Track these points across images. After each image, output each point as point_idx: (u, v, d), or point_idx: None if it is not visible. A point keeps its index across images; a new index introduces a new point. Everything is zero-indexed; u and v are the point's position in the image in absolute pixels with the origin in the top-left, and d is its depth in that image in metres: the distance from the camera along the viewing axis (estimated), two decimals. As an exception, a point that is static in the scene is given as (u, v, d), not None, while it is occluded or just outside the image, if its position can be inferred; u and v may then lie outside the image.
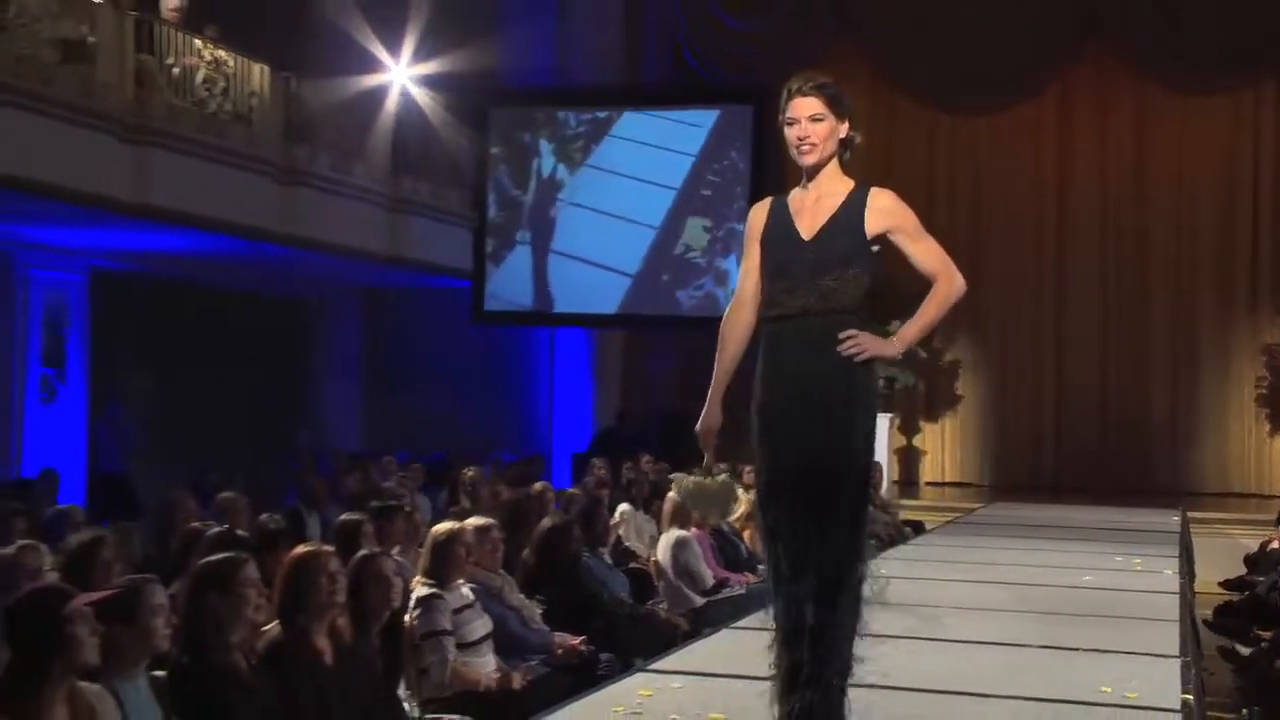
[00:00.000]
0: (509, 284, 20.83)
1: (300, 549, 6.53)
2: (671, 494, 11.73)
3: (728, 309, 5.16)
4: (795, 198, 5.06)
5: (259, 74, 16.58)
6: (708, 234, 20.16)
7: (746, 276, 5.10)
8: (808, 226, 4.96)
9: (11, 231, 15.31)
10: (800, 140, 4.93)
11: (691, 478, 5.22)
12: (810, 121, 4.90)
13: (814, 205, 4.97)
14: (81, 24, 14.03)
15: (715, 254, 20.01)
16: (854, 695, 4.88)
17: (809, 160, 4.95)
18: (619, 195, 20.38)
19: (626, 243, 20.31)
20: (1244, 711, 10.02)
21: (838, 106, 4.93)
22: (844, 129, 4.93)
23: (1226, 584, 12.95)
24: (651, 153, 20.30)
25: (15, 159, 12.63)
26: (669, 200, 20.31)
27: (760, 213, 5.11)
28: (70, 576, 6.47)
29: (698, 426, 5.10)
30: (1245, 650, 10.52)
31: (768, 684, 4.87)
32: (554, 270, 20.56)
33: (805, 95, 4.94)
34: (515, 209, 20.79)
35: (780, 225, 5.01)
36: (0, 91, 12.68)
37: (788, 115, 4.99)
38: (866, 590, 4.84)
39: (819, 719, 4.70)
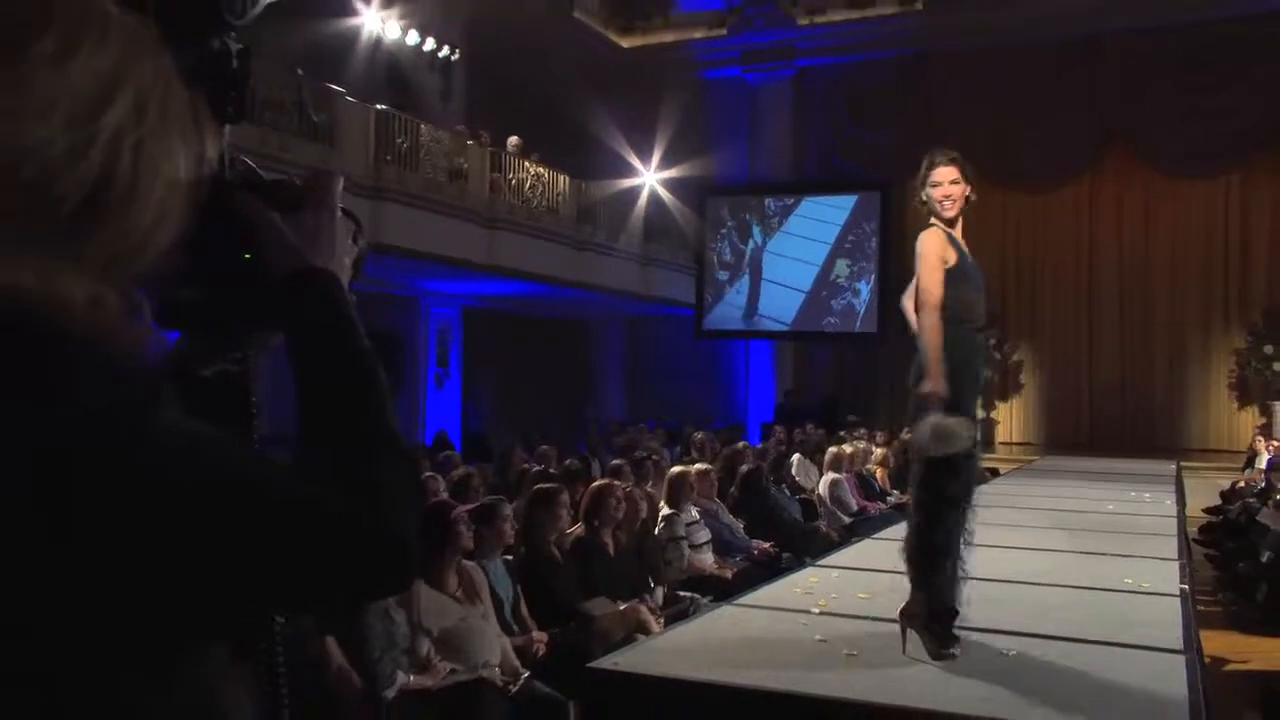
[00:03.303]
0: (722, 311, 20.77)
1: (597, 482, 6.78)
2: (833, 449, 11.79)
3: (935, 313, 4.39)
4: (951, 237, 4.55)
5: (562, 181, 16.92)
6: (849, 269, 19.91)
7: (939, 288, 4.42)
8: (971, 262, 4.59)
9: (418, 284, 15.48)
10: (945, 198, 4.52)
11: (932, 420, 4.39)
12: (950, 184, 4.52)
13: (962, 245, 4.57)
14: (459, 157, 14.49)
15: (852, 280, 19.82)
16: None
17: (950, 214, 4.54)
18: (799, 247, 20.24)
19: (803, 273, 20.01)
20: (1220, 595, 9.79)
21: (966, 174, 4.57)
22: (968, 191, 4.56)
23: (1208, 510, 12.57)
24: (815, 224, 20.26)
25: (422, 240, 13.03)
26: (827, 249, 20.10)
27: (944, 244, 4.49)
28: (454, 496, 6.71)
29: (929, 389, 4.31)
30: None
31: (895, 575, 4.58)
32: (761, 297, 20.53)
33: (947, 165, 4.56)
34: (738, 260, 20.83)
35: (964, 257, 4.53)
36: (416, 200, 13.19)
37: (931, 179, 4.58)
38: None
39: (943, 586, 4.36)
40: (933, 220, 4.56)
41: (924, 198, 4.61)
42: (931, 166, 4.61)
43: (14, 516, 0.80)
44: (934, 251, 4.46)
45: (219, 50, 1.16)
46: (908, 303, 4.79)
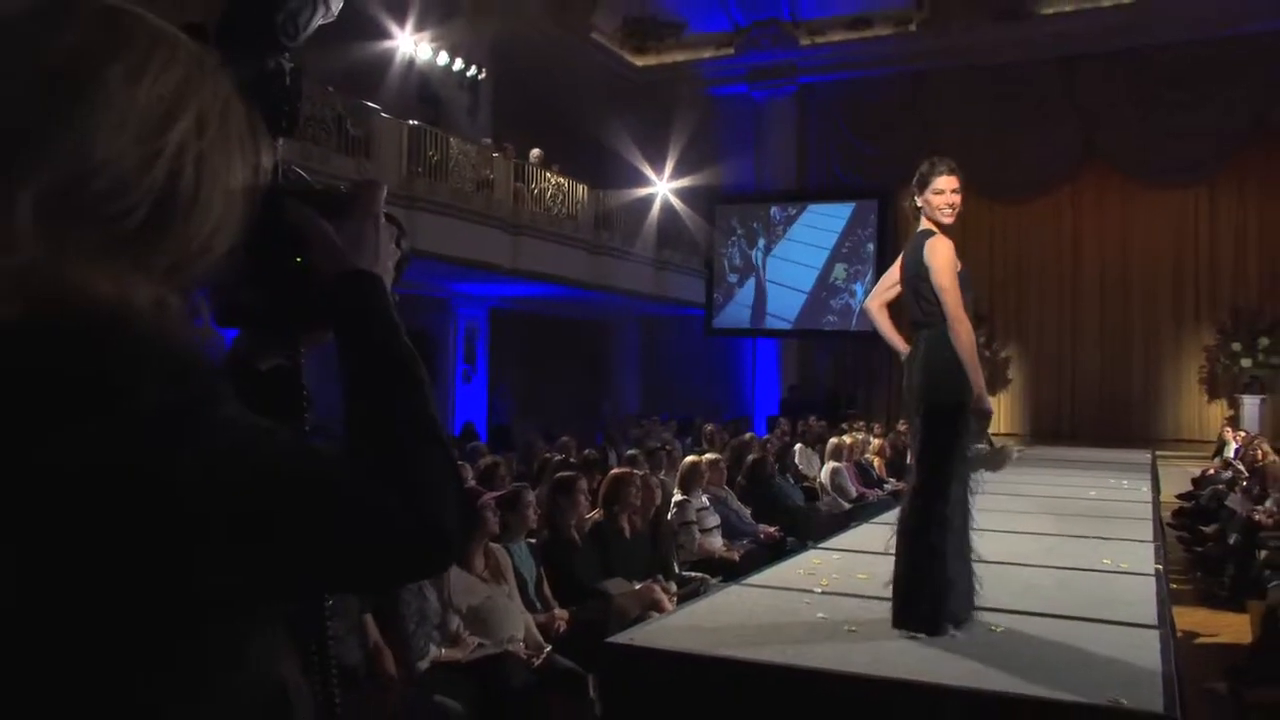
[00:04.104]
0: (731, 311, 20.81)
1: (616, 470, 6.79)
2: (833, 439, 11.74)
3: (966, 319, 4.23)
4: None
5: (581, 191, 16.88)
6: (846, 272, 19.95)
7: (959, 292, 4.24)
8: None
9: (448, 286, 15.49)
10: (948, 206, 4.33)
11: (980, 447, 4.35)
12: (952, 193, 4.34)
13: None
14: (485, 168, 14.47)
15: (849, 282, 19.80)
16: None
17: (950, 221, 4.37)
18: (801, 253, 20.27)
19: (805, 276, 20.07)
20: (1191, 575, 9.76)
21: (962, 184, 4.41)
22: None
23: (1180, 496, 12.52)
24: (815, 231, 20.25)
25: (451, 245, 12.99)
26: (826, 254, 20.12)
27: (953, 253, 4.32)
28: (481, 483, 6.80)
29: (983, 406, 4.21)
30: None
31: (892, 558, 4.45)
32: (768, 298, 20.51)
33: (949, 174, 4.37)
34: (746, 264, 20.85)
35: (963, 266, 4.37)
36: (446, 209, 13.17)
37: (934, 185, 4.36)
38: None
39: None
40: (931, 226, 4.41)
41: (919, 202, 4.44)
42: (933, 173, 4.41)
43: (85, 510, 0.81)
44: (950, 259, 4.30)
45: (274, 69, 1.17)
46: (874, 304, 4.68)
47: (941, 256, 4.29)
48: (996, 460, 4.62)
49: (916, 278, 4.38)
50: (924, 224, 4.46)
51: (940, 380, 4.30)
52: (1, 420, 0.81)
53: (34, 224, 0.82)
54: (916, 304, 4.42)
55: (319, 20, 1.22)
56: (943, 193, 4.38)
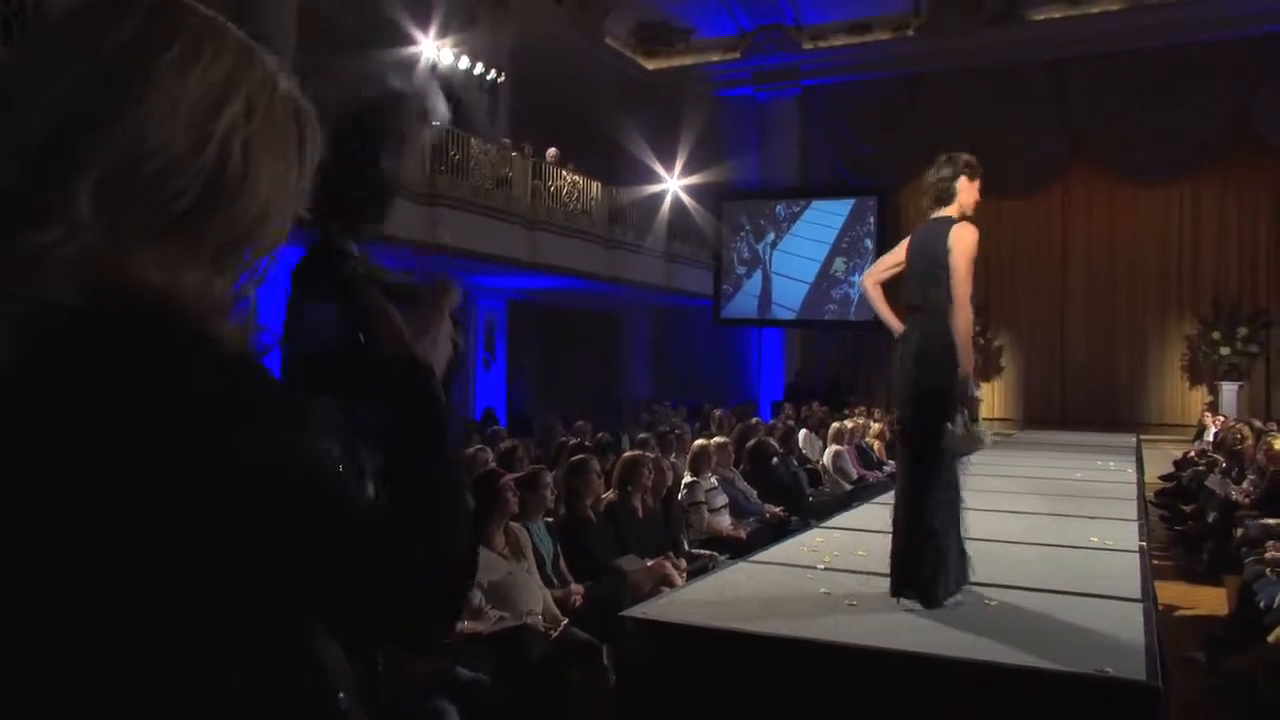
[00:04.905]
0: (739, 301, 20.79)
1: (630, 453, 6.74)
2: (835, 424, 11.74)
3: (969, 311, 4.21)
4: None
5: (595, 187, 16.81)
6: (845, 265, 19.95)
7: (970, 284, 4.23)
8: None
9: (469, 279, 15.19)
10: (976, 204, 4.38)
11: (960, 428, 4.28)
12: (978, 193, 4.37)
13: None
14: (504, 167, 14.43)
15: (848, 274, 19.78)
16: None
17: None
18: (804, 247, 20.24)
19: (807, 269, 20.07)
20: (1172, 551, 9.75)
21: None
22: None
23: (1163, 477, 12.50)
24: (817, 227, 20.22)
25: (472, 240, 13.00)
26: (827, 248, 20.11)
27: (977, 243, 4.29)
28: (501, 465, 6.67)
29: (969, 388, 4.18)
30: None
31: (891, 535, 4.43)
32: (774, 290, 20.50)
33: (980, 178, 4.40)
34: (753, 258, 20.84)
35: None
36: (466, 205, 13.13)
37: (978, 184, 4.37)
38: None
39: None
40: (954, 213, 4.32)
41: (959, 188, 4.33)
42: (976, 172, 4.37)
43: (124, 500, 0.81)
44: (975, 246, 4.23)
45: (373, 174, 1.25)
46: (870, 281, 4.59)
47: (968, 242, 4.22)
48: (970, 443, 4.57)
49: (930, 261, 4.28)
50: (946, 211, 4.37)
51: (933, 366, 4.26)
52: (56, 408, 0.81)
53: (93, 208, 0.83)
54: (919, 288, 4.32)
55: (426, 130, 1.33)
56: (975, 192, 4.36)
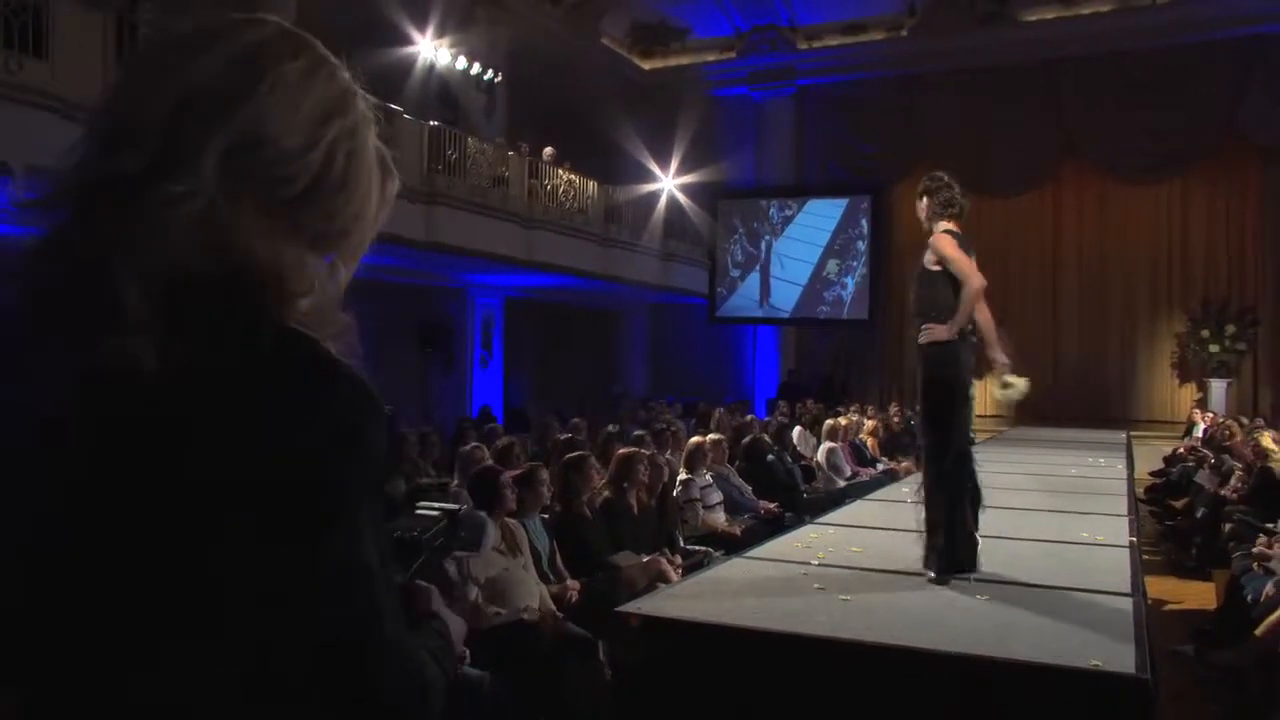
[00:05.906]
0: (735, 300, 20.80)
1: (625, 449, 6.70)
2: (829, 421, 11.74)
3: (981, 290, 4.79)
4: None
5: (591, 187, 16.78)
6: (838, 266, 20.00)
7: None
8: None
9: (466, 277, 15.56)
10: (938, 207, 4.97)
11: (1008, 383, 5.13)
12: None
13: None
14: (501, 166, 14.41)
15: (840, 276, 19.90)
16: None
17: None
18: (798, 246, 20.31)
19: (801, 270, 20.16)
20: (1161, 546, 9.78)
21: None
22: None
23: (1153, 473, 12.53)
24: (810, 229, 20.27)
25: (469, 238, 13.01)
26: (820, 250, 20.17)
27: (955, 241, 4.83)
28: (499, 462, 6.63)
29: (1003, 359, 5.01)
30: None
31: (884, 531, 4.65)
32: (771, 290, 20.54)
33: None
34: (748, 259, 20.84)
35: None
36: (463, 204, 13.12)
37: (967, 207, 4.95)
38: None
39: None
40: (936, 226, 4.90)
41: (958, 209, 4.90)
42: (926, 191, 5.00)
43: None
44: (952, 244, 4.80)
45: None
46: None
47: (945, 240, 4.84)
48: (1012, 394, 5.23)
49: (924, 273, 4.88)
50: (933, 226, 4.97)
51: (936, 360, 4.84)
52: (171, 369, 0.86)
53: (218, 170, 0.91)
54: (924, 299, 4.88)
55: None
56: (926, 208, 5.04)
